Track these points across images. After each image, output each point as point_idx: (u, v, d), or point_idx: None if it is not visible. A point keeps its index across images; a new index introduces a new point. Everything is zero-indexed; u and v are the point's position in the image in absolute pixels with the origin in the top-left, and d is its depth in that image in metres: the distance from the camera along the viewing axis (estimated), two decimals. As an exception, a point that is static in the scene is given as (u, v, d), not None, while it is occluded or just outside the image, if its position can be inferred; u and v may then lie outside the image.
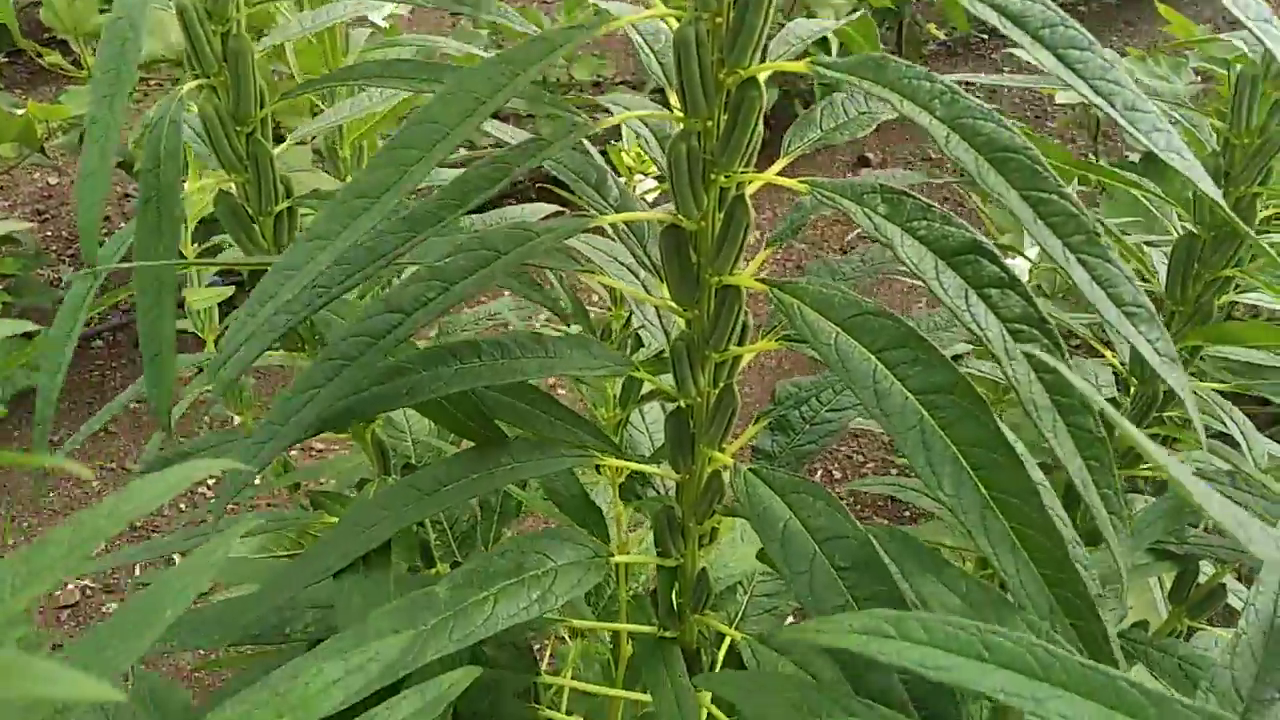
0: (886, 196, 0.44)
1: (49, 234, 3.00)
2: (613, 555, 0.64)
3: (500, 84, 0.42)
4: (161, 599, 0.36)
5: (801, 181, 0.46)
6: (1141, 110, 0.42)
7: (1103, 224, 0.42)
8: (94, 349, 2.55)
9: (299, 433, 0.48)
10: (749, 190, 0.50)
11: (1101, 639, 0.42)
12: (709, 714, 0.74)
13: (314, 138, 0.98)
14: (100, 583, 1.95)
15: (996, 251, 0.44)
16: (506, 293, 0.90)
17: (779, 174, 0.48)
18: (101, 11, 2.23)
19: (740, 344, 0.56)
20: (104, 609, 1.90)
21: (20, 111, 2.13)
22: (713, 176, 0.48)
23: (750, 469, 0.55)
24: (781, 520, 0.52)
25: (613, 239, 0.62)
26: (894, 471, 2.08)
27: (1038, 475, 0.43)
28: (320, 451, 2.13)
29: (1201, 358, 0.80)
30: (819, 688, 0.49)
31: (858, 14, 0.66)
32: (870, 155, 3.23)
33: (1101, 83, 0.42)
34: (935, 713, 0.45)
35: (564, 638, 1.16)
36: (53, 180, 3.23)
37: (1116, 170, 0.73)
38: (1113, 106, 0.41)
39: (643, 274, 0.62)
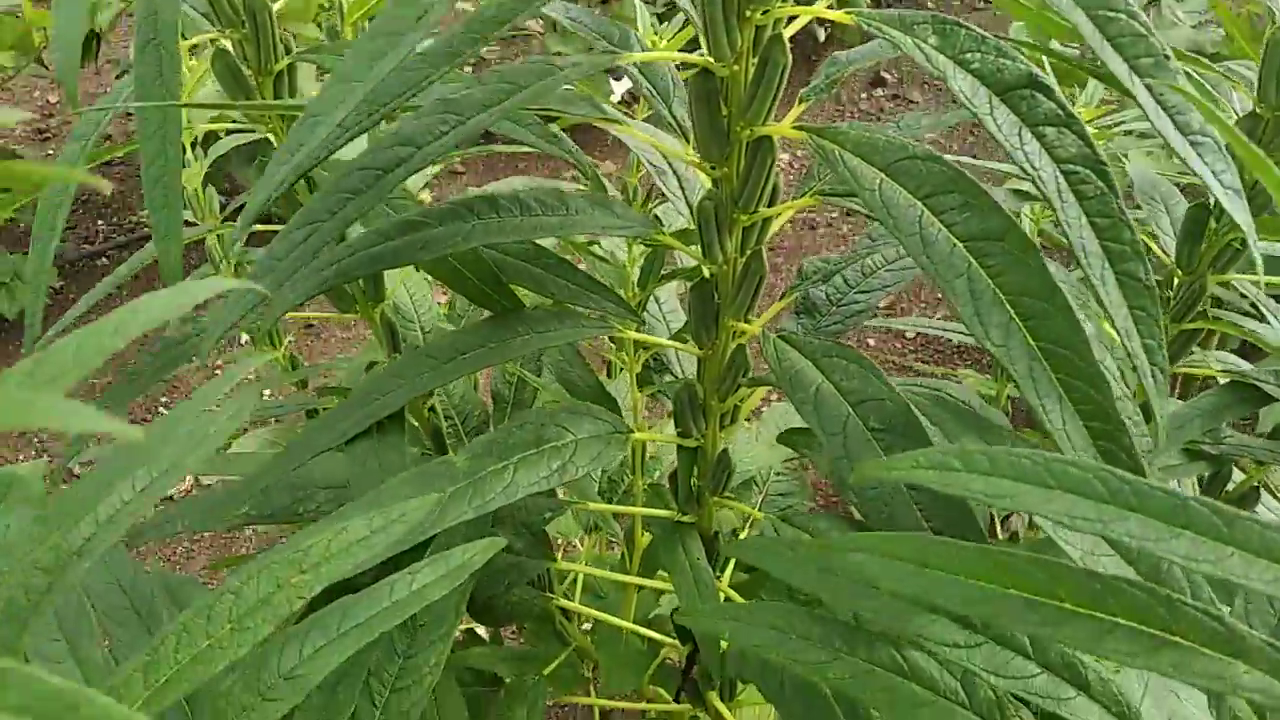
0: (938, 26, 0.41)
1: (50, 153, 2.95)
2: (633, 432, 0.62)
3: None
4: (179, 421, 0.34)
5: (848, 12, 0.43)
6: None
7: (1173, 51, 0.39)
8: (98, 266, 2.53)
9: (310, 283, 0.46)
10: (787, 30, 0.46)
11: (1150, 493, 0.41)
12: (725, 598, 0.74)
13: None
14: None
15: (1054, 86, 0.41)
16: (517, 179, 0.87)
17: (824, 8, 0.45)
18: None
19: (771, 205, 0.53)
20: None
21: (16, 16, 2.07)
22: (748, 14, 0.45)
23: (779, 335, 0.53)
24: (813, 384, 0.50)
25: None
26: (913, 374, 2.05)
27: (1089, 328, 0.41)
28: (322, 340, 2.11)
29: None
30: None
31: None
32: (886, 75, 3.16)
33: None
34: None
35: (577, 544, 1.16)
36: (53, 98, 3.17)
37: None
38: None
39: (667, 139, 0.59)
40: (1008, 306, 0.40)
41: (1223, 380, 0.67)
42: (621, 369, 0.75)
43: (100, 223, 2.67)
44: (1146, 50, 0.37)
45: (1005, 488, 0.34)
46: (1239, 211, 0.38)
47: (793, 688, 0.60)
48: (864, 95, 3.12)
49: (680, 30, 0.83)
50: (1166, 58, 0.38)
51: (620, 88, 1.28)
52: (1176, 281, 0.70)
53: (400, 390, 0.57)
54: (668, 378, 0.74)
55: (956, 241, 0.42)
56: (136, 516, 0.42)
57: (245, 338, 0.95)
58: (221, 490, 0.68)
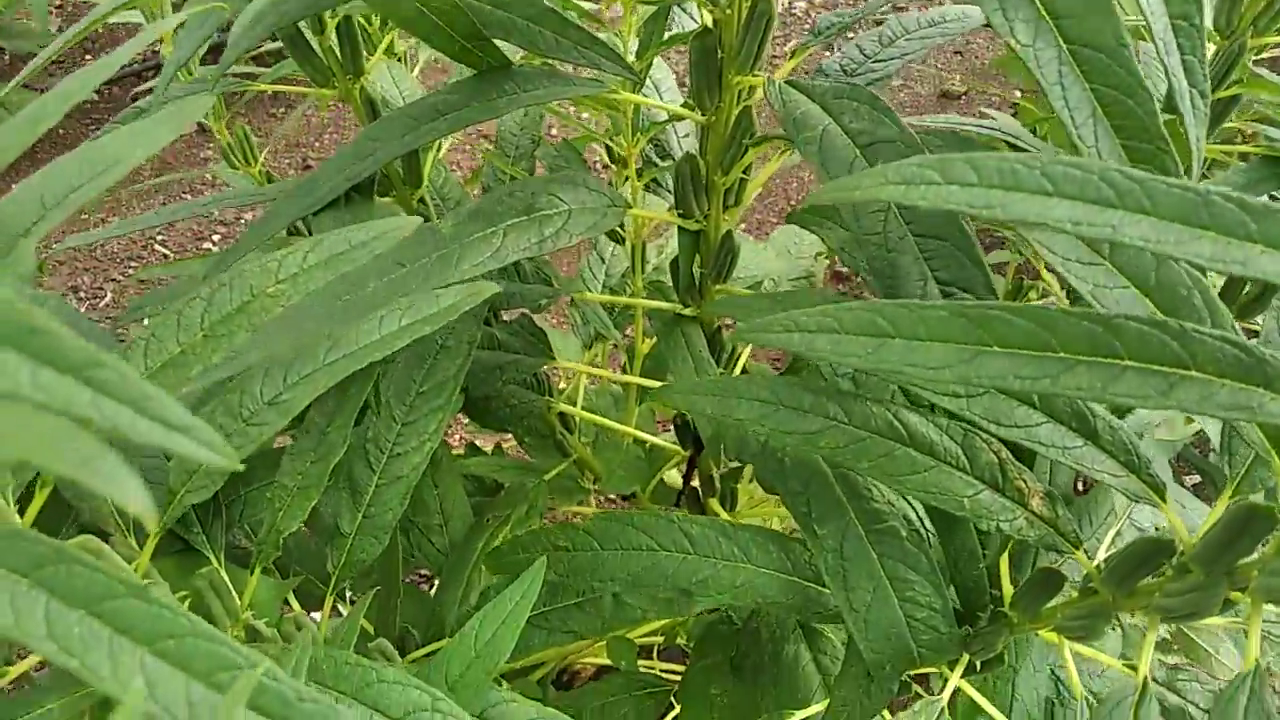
0: None
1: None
2: (631, 207, 0.60)
3: None
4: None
5: None
6: None
7: None
8: (88, 101, 2.47)
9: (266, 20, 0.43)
10: None
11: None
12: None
13: None
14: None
15: None
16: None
17: None
18: None
19: (777, -63, 0.49)
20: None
21: None
22: None
23: (786, 80, 0.50)
24: (820, 125, 0.47)
25: None
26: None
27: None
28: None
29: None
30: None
31: None
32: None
33: None
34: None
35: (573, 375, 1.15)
36: None
37: None
38: None
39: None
40: (1036, 1, 0.37)
41: (1258, 154, 0.64)
42: (618, 156, 0.72)
43: None
44: None
45: (995, 197, 0.32)
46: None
47: (793, 467, 0.60)
48: None
49: None
50: None
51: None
52: (1214, 48, 0.66)
53: (379, 152, 0.55)
54: (666, 164, 0.71)
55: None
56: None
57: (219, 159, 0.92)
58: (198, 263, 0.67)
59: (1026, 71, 0.39)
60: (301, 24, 0.61)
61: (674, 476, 0.97)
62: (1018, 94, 2.14)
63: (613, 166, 0.83)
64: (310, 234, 0.78)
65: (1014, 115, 1.78)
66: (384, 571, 0.67)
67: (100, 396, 0.17)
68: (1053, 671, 0.71)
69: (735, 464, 0.92)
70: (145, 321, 0.39)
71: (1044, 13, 0.37)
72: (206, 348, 0.37)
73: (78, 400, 0.17)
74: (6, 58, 2.50)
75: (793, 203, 2.15)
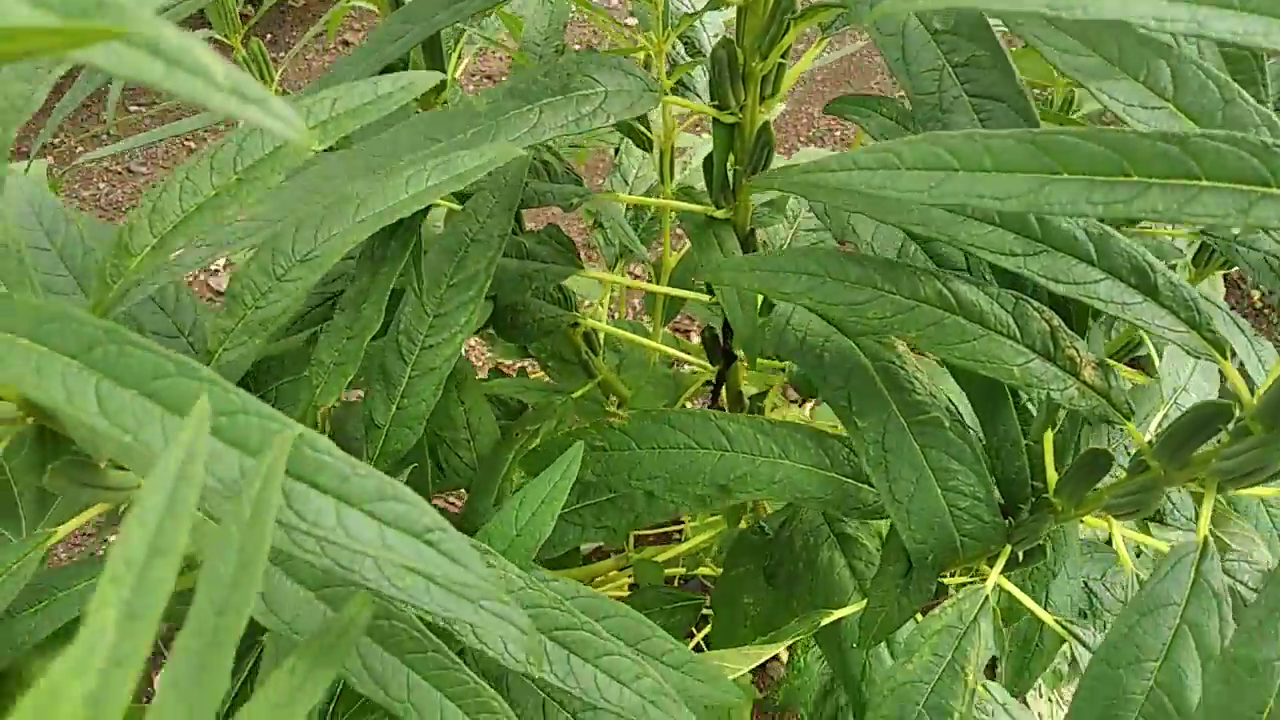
0: None
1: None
2: (666, 93, 0.59)
3: None
4: None
5: None
6: None
7: None
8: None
9: None
10: None
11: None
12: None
13: None
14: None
15: None
16: None
17: None
18: None
19: None
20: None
21: None
22: None
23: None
24: (869, -15, 0.47)
25: None
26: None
27: None
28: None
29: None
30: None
31: None
32: None
33: None
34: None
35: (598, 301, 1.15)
36: None
37: None
38: None
39: None
40: None
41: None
42: (649, 61, 0.71)
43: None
44: None
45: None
46: None
47: (832, 361, 0.59)
48: None
49: None
50: None
51: None
52: None
53: (412, 33, 0.54)
54: (697, 59, 0.70)
55: None
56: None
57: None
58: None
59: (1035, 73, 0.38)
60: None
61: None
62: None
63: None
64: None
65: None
66: (414, 476, 0.67)
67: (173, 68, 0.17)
68: (1088, 571, 0.71)
69: (763, 389, 0.92)
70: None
71: None
72: (241, 190, 0.37)
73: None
74: None
75: (816, 118, 2.13)
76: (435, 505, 0.75)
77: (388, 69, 0.58)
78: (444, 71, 0.67)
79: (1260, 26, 0.30)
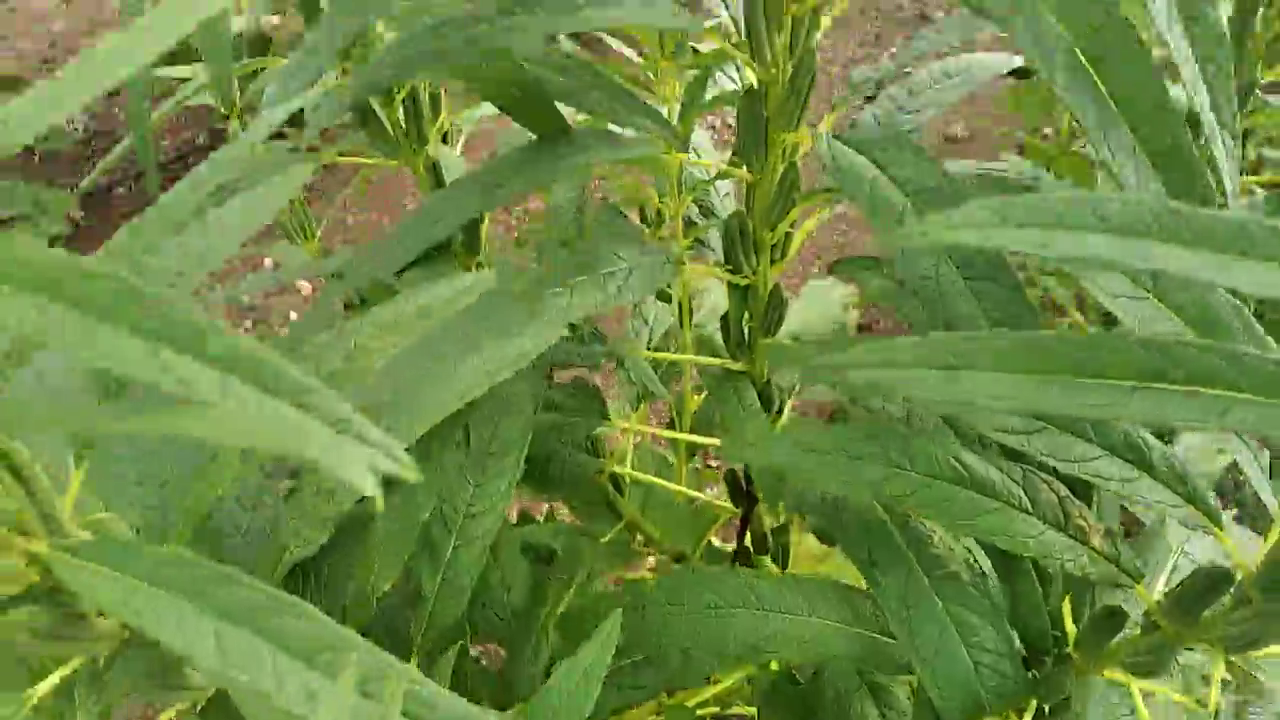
0: None
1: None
2: (684, 263, 0.64)
3: None
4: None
5: None
6: None
7: None
8: (116, 196, 2.57)
9: (365, 79, 0.47)
10: None
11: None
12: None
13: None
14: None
15: None
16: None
17: None
18: None
19: None
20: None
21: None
22: None
23: (833, 135, 0.54)
24: (869, 180, 0.51)
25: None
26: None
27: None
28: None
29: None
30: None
31: None
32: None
33: None
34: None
35: (620, 435, 1.19)
36: (56, 27, 3.19)
37: None
38: None
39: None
40: (1075, 50, 0.40)
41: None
42: (663, 217, 0.76)
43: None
44: None
45: (1052, 237, 0.34)
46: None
47: (851, 517, 0.62)
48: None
49: None
50: None
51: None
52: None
53: (451, 215, 0.59)
54: (711, 221, 0.75)
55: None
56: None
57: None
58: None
59: (1033, 112, 0.43)
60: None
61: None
62: (1020, 134, 2.20)
63: (647, 229, 0.88)
64: (362, 303, 0.83)
65: (1019, 154, 1.83)
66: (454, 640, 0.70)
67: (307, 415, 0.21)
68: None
69: (786, 521, 0.94)
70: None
71: (1083, 59, 0.41)
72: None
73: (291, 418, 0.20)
74: (36, 157, 2.62)
75: (820, 256, 2.20)
76: (471, 657, 0.77)
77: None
78: (479, 248, 0.73)
79: (1214, 263, 0.34)
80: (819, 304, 1.03)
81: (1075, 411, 0.37)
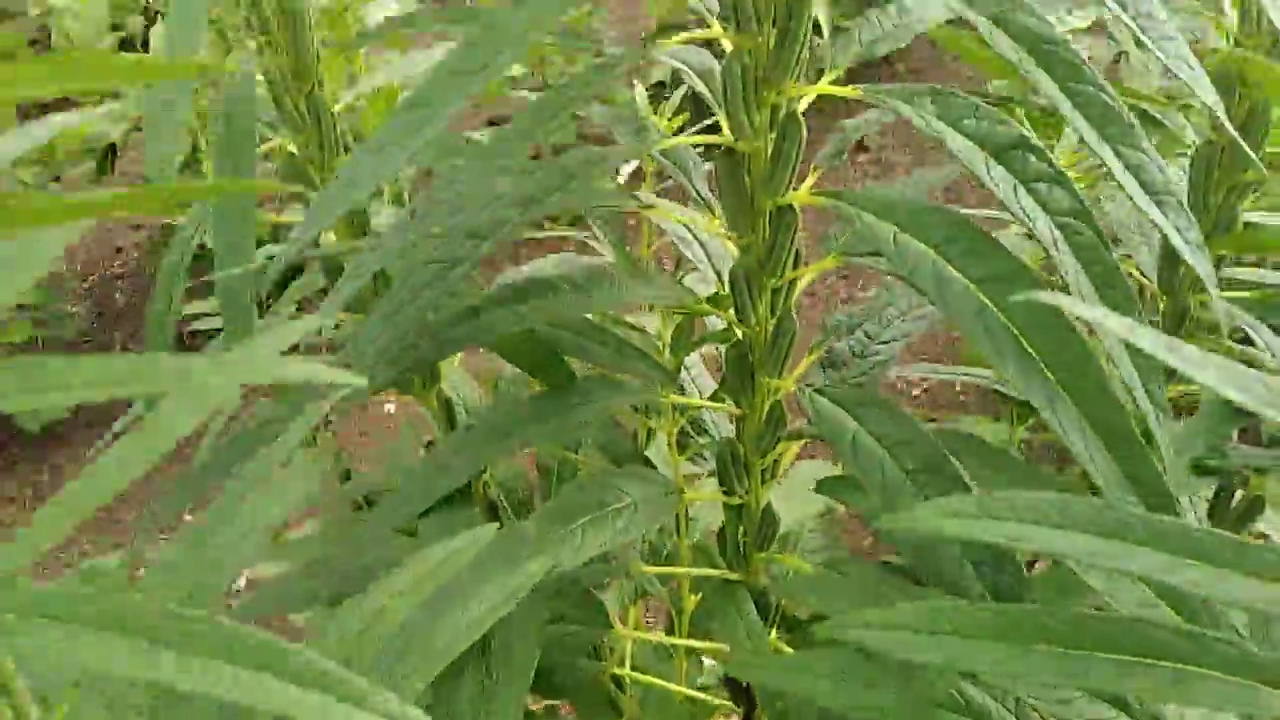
0: (936, 97, 0.49)
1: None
2: (683, 491, 0.69)
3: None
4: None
5: (855, 87, 0.51)
6: (1156, 20, 0.46)
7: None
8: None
9: (389, 371, 0.53)
10: (800, 106, 0.54)
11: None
12: (776, 651, 0.79)
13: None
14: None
15: (1044, 149, 0.49)
16: (549, 258, 0.95)
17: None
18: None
19: (795, 268, 0.60)
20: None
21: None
22: (765, 94, 0.53)
23: (814, 390, 0.60)
24: (850, 432, 0.57)
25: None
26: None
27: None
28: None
29: (1225, 273, 0.83)
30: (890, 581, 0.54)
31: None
32: (869, 144, 3.25)
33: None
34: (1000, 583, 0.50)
35: (618, 622, 1.21)
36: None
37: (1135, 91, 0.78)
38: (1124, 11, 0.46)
39: (695, 215, 0.67)
40: (1022, 341, 0.46)
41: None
42: (655, 434, 0.81)
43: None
44: (1113, 120, 0.45)
45: (1025, 531, 0.40)
46: (1201, 264, 0.45)
47: (853, 731, 0.65)
48: (850, 159, 3.21)
49: (677, 114, 0.92)
50: (1131, 126, 0.45)
51: (627, 169, 1.38)
52: (1161, 305, 0.78)
53: (466, 462, 0.64)
54: (704, 439, 0.81)
55: (969, 283, 0.49)
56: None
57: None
58: (280, 580, 0.75)
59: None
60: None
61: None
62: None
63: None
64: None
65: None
66: None
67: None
68: None
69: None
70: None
71: (1030, 350, 0.47)
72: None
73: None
74: (40, 343, 2.66)
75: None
76: None
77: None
78: (438, 379, 0.77)
79: (1165, 564, 0.39)
80: (808, 489, 1.07)
81: (1058, 680, 0.42)
